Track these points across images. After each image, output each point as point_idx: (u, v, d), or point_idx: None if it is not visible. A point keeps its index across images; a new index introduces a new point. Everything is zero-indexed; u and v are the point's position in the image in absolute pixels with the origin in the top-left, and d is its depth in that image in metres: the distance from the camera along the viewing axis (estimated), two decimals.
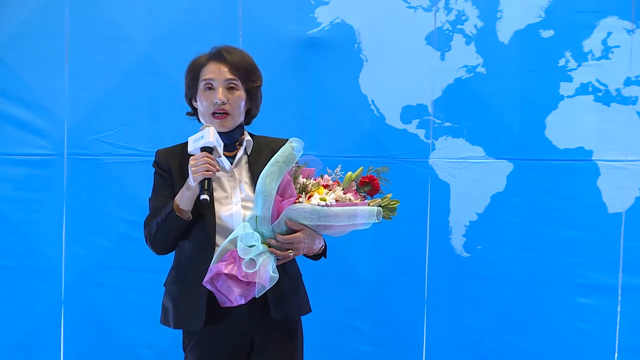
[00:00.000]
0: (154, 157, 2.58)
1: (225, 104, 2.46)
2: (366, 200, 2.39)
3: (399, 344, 3.65)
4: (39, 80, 3.63)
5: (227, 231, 2.40)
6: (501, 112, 3.62)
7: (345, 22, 3.65)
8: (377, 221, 2.35)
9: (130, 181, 3.59)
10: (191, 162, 2.37)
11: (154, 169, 2.57)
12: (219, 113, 2.47)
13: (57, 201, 3.64)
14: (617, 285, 3.58)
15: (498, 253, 3.63)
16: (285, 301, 2.47)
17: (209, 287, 2.34)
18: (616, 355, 3.58)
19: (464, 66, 3.63)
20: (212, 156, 2.39)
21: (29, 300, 3.65)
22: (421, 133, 3.65)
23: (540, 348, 3.63)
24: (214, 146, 2.41)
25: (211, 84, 2.48)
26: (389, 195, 2.40)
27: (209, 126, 2.43)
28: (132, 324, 3.63)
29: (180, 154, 2.50)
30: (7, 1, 3.64)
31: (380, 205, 2.37)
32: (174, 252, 2.54)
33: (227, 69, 2.48)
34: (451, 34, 3.64)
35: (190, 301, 2.44)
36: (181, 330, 2.53)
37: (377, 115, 3.65)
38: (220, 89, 2.47)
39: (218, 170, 2.41)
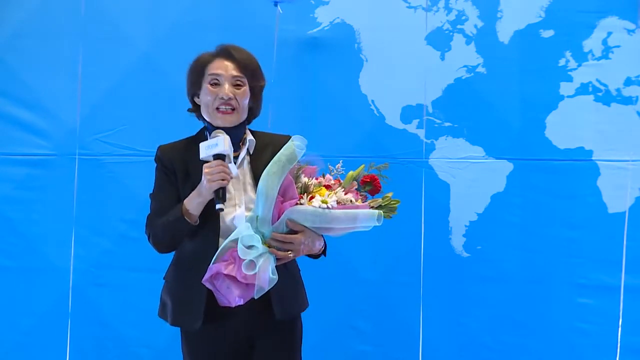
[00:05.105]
0: (154, 154, 2.54)
1: (231, 99, 2.45)
2: (367, 200, 2.38)
3: (398, 343, 3.65)
4: (39, 80, 3.64)
5: (231, 233, 2.37)
6: (501, 112, 3.61)
7: (345, 22, 3.65)
8: (377, 224, 2.35)
9: (131, 181, 3.59)
10: (206, 169, 2.35)
11: (156, 164, 2.53)
12: (225, 108, 2.45)
13: (57, 201, 3.64)
14: (618, 285, 3.57)
15: (498, 253, 3.62)
16: (287, 301, 2.48)
17: (208, 285, 2.34)
18: (618, 355, 3.57)
19: (464, 66, 3.63)
20: (226, 164, 2.37)
21: (29, 301, 3.66)
22: (421, 133, 3.65)
23: (540, 348, 3.62)
24: (227, 154, 2.39)
25: (217, 80, 2.46)
26: (390, 195, 2.39)
27: (222, 133, 2.41)
28: (132, 323, 3.63)
29: (183, 150, 2.49)
30: (7, 1, 3.65)
31: (380, 205, 2.37)
32: None
33: (233, 66, 2.47)
34: (451, 34, 3.63)
35: (190, 301, 2.44)
36: (179, 327, 2.53)
37: (377, 115, 3.65)
38: (227, 85, 2.45)
39: (232, 178, 2.40)
